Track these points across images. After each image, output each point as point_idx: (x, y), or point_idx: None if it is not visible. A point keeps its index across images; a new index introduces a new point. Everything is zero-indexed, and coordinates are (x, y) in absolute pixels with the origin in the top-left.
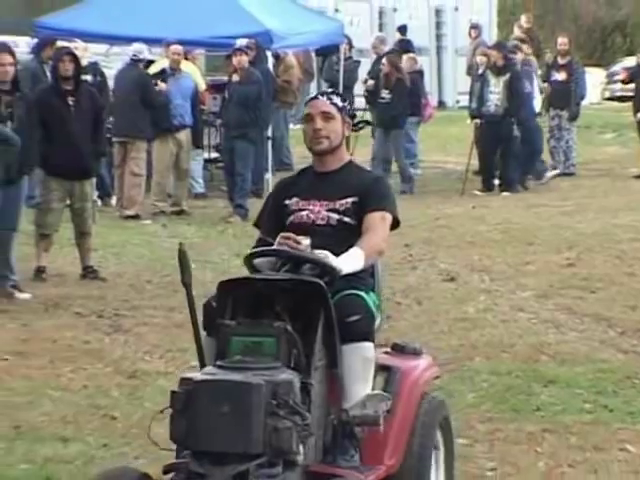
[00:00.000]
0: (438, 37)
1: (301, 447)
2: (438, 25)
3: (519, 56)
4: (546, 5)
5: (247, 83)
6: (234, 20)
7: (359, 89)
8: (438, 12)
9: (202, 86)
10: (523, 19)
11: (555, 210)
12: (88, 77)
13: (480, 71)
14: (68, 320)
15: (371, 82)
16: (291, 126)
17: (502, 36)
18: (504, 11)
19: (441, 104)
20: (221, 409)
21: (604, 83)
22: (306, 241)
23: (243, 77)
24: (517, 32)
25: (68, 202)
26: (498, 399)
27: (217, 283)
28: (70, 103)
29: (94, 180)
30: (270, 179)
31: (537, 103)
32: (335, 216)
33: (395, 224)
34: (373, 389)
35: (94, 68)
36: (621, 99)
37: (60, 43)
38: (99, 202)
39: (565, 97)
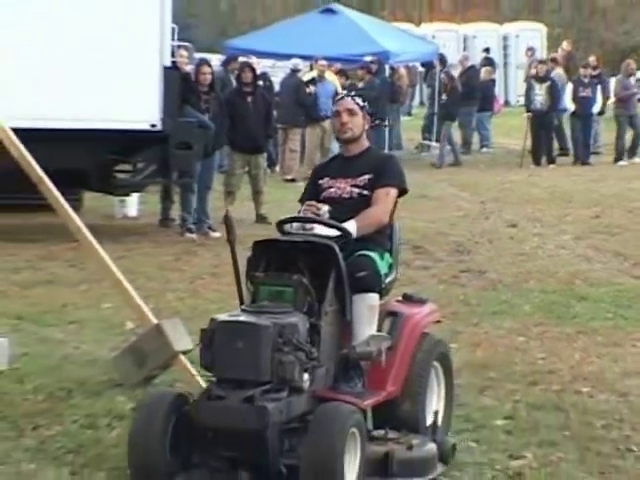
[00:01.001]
0: (505, 56)
1: (306, 376)
2: (505, 47)
3: (556, 70)
4: (580, 34)
5: (370, 88)
6: (362, 43)
7: None
8: (505, 38)
9: (339, 89)
10: (564, 44)
11: (586, 178)
12: (261, 83)
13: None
14: (245, 252)
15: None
16: (401, 117)
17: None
18: (551, 37)
19: (506, 103)
20: (236, 345)
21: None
22: (325, 207)
23: (367, 83)
24: (560, 53)
25: (247, 169)
26: (546, 310)
27: (252, 243)
28: (249, 101)
29: (265, 154)
30: None
31: (598, 105)
32: (356, 190)
33: (403, 192)
34: (380, 331)
35: (264, 76)
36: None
37: (241, 59)
38: (268, 170)
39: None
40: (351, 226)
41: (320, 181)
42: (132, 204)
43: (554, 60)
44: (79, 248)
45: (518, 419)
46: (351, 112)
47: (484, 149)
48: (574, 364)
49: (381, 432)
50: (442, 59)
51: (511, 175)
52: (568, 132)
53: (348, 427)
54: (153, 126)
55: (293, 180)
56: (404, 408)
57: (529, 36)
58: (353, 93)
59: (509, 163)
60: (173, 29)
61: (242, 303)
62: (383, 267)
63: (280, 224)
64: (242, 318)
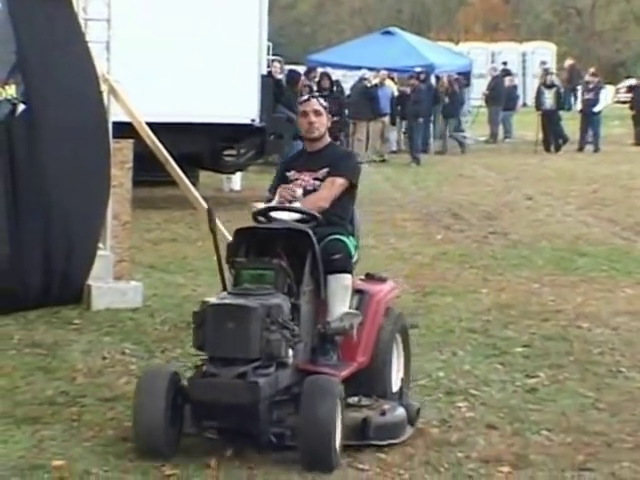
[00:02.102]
0: (523, 67)
1: (290, 352)
2: (523, 61)
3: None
4: (582, 51)
5: (418, 92)
6: (413, 57)
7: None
8: (524, 54)
9: (395, 93)
10: (568, 60)
11: (586, 162)
12: (335, 88)
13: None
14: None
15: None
16: None
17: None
18: (559, 54)
19: (524, 104)
20: (227, 325)
21: (614, 93)
22: (299, 190)
23: (416, 88)
24: (566, 65)
25: None
26: (555, 263)
27: (234, 230)
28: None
29: (338, 142)
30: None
31: (600, 105)
32: (318, 182)
33: (352, 187)
34: (350, 308)
35: (337, 83)
36: (623, 102)
37: (320, 69)
38: None
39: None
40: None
41: (287, 173)
42: (236, 180)
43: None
44: (196, 213)
45: (533, 347)
46: (317, 113)
47: (507, 139)
48: (577, 305)
49: (355, 399)
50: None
51: (527, 159)
52: (572, 127)
53: (337, 397)
54: (253, 120)
55: (360, 163)
56: (373, 376)
57: (542, 53)
58: (317, 94)
59: (526, 150)
60: (268, 46)
61: (225, 287)
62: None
63: (255, 215)
64: (231, 300)
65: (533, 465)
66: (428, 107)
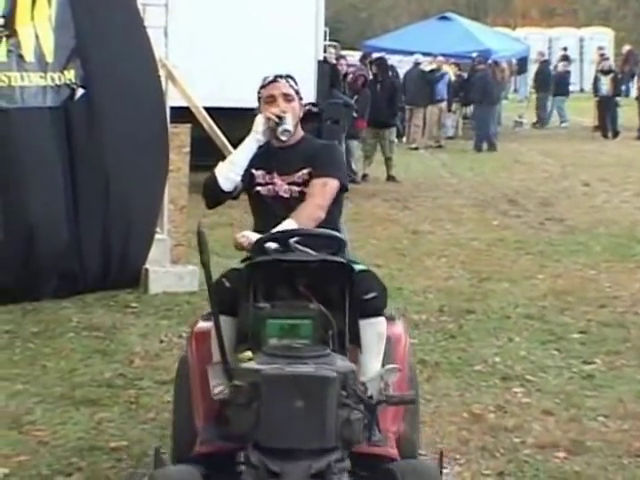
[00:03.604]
0: (581, 53)
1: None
2: (581, 47)
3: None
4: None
5: (475, 77)
6: (470, 42)
7: None
8: (581, 39)
9: (452, 78)
10: (626, 46)
11: (636, 148)
12: (390, 72)
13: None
14: (378, 202)
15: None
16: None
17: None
18: (617, 39)
19: (581, 90)
20: (295, 404)
21: None
22: (289, 115)
23: (474, 73)
24: (624, 51)
25: (378, 139)
26: (612, 250)
27: (244, 265)
28: (378, 87)
29: (393, 128)
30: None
31: None
32: (296, 188)
33: (342, 191)
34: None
35: (393, 69)
36: None
37: (375, 55)
38: (396, 140)
39: None
40: (291, 226)
41: (254, 171)
42: None
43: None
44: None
45: (590, 333)
46: (288, 97)
47: (563, 124)
48: (634, 292)
49: None
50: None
51: (584, 145)
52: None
53: None
54: (313, 105)
55: (416, 148)
56: (401, 446)
57: (600, 38)
58: (285, 75)
59: (583, 136)
60: (325, 32)
61: (222, 344)
62: None
63: (259, 243)
64: (295, 369)
65: (589, 451)
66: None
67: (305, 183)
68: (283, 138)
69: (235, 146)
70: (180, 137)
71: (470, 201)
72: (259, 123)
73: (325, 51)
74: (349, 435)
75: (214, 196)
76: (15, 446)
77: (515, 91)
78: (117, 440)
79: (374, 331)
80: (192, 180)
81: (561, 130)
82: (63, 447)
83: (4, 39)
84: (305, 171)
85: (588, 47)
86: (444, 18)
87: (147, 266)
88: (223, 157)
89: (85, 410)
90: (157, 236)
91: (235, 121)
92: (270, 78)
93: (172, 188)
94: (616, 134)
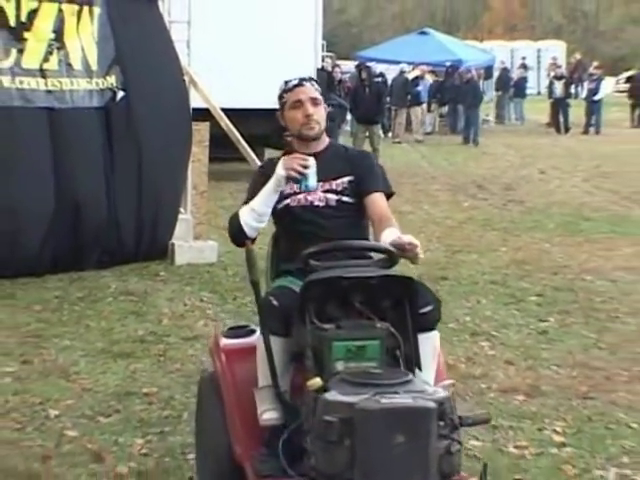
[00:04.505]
0: (538, 62)
1: None
2: (538, 57)
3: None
4: (587, 48)
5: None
6: (444, 53)
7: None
8: (538, 50)
9: (430, 82)
10: (576, 56)
11: (590, 142)
12: (379, 79)
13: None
14: None
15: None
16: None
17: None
18: (569, 50)
19: (539, 93)
20: (394, 440)
21: (614, 84)
22: (312, 160)
23: (445, 79)
24: (574, 60)
25: (367, 134)
26: (564, 226)
27: (303, 285)
28: (366, 90)
29: (379, 125)
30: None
31: (600, 94)
32: (333, 197)
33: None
34: None
35: (382, 75)
36: (622, 91)
37: (368, 63)
38: (382, 135)
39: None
40: (404, 237)
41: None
42: None
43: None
44: None
45: (545, 296)
46: (315, 102)
47: (518, 122)
48: (582, 261)
49: None
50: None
51: (540, 139)
52: (578, 112)
53: None
54: None
55: (400, 142)
56: None
57: (554, 49)
58: (309, 77)
59: (539, 132)
60: (323, 44)
61: (274, 369)
62: None
63: (307, 257)
64: (391, 401)
65: (544, 394)
66: (456, 96)
67: (344, 191)
68: (306, 194)
69: (247, 140)
70: (201, 133)
71: (445, 186)
72: (281, 173)
73: (323, 60)
74: (449, 468)
75: (240, 240)
76: (63, 392)
77: (483, 93)
78: (148, 387)
79: (431, 346)
80: (210, 169)
81: (520, 126)
82: (103, 393)
83: (55, 51)
84: (346, 179)
85: (544, 57)
86: (423, 33)
87: (173, 241)
88: (237, 150)
89: (121, 362)
90: (181, 216)
91: (248, 119)
92: (295, 82)
93: (194, 175)
94: (567, 130)
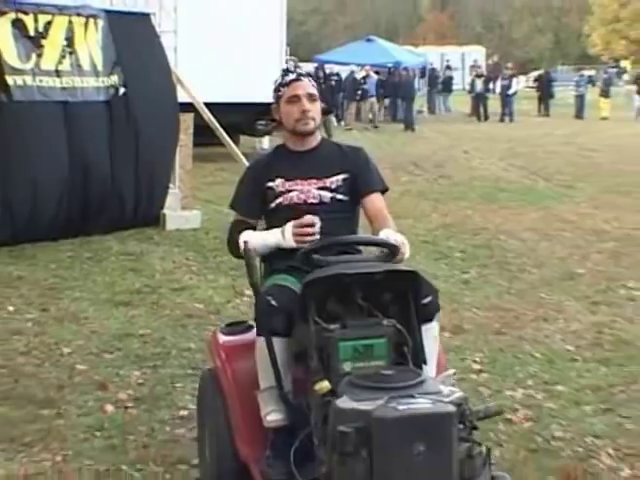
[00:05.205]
0: (462, 63)
1: None
2: (463, 59)
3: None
4: (502, 52)
5: (388, 80)
6: (386, 56)
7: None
8: (463, 54)
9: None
10: (493, 58)
11: (505, 128)
12: (335, 77)
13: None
14: None
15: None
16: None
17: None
18: (487, 54)
19: (463, 89)
20: (415, 448)
21: (524, 81)
22: (315, 219)
23: (387, 77)
24: (491, 62)
25: (324, 122)
26: (483, 196)
27: (304, 283)
28: (322, 86)
29: (333, 114)
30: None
31: (513, 89)
32: (327, 194)
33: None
34: None
35: (337, 74)
36: (531, 87)
37: (327, 65)
38: (335, 122)
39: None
40: (397, 237)
41: (271, 183)
42: (265, 141)
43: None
44: (238, 165)
45: (467, 253)
46: (312, 97)
47: (445, 112)
48: (497, 224)
49: None
50: (449, 67)
51: (465, 126)
52: (494, 105)
53: None
54: None
55: (350, 129)
56: None
57: (475, 54)
58: (306, 72)
59: (463, 120)
60: (287, 49)
61: (277, 371)
62: None
63: (307, 254)
64: (414, 406)
65: (465, 332)
66: (396, 91)
67: (339, 189)
68: (299, 192)
69: (224, 128)
70: (186, 122)
71: (386, 165)
72: (291, 244)
73: (287, 62)
74: (471, 473)
75: (237, 256)
76: (75, 334)
77: (418, 89)
78: (144, 329)
79: (432, 336)
80: (194, 152)
81: (448, 116)
82: (107, 334)
83: (67, 55)
84: (340, 177)
85: (467, 60)
86: (369, 40)
87: (164, 211)
88: (216, 137)
89: (122, 309)
90: (171, 190)
91: (225, 111)
92: (292, 76)
93: (181, 157)
94: (486, 118)
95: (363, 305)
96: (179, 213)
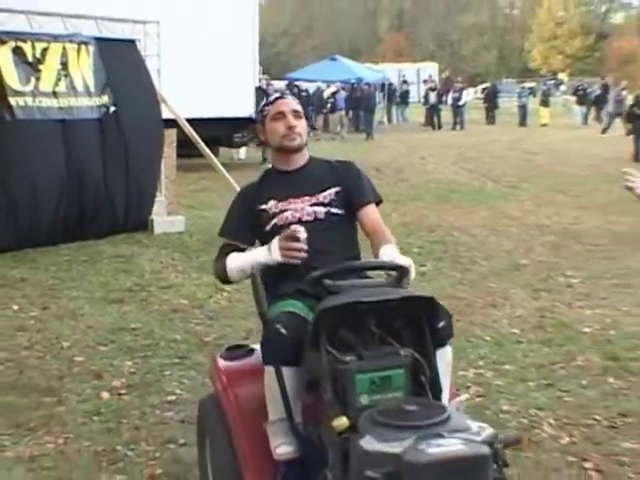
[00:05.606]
0: (418, 78)
1: None
2: (418, 74)
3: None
4: (453, 68)
5: (352, 94)
6: (349, 73)
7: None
8: (418, 70)
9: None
10: (445, 73)
11: (456, 136)
12: (304, 93)
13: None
14: None
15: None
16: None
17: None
18: (440, 69)
19: (419, 101)
20: None
21: (473, 93)
22: (300, 229)
23: (351, 92)
24: (443, 76)
25: None
26: (438, 197)
27: (318, 312)
28: None
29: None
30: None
31: (463, 100)
32: (322, 209)
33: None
34: None
35: (306, 90)
36: (479, 99)
37: (297, 82)
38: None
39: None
40: (393, 252)
41: (264, 206)
42: (242, 152)
43: (435, 88)
44: (216, 174)
45: (424, 248)
46: (297, 114)
47: (403, 123)
48: (450, 222)
49: None
50: (405, 81)
51: (420, 135)
52: (447, 115)
53: None
54: (250, 115)
55: (318, 139)
56: None
57: (429, 69)
58: (288, 92)
59: (419, 129)
60: (260, 69)
61: (288, 403)
62: None
63: (317, 280)
64: (447, 448)
65: None
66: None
67: (332, 203)
68: (293, 211)
69: (204, 141)
70: (170, 137)
71: None
72: (277, 259)
73: (260, 80)
74: None
75: (224, 281)
76: (73, 330)
77: (378, 103)
78: (135, 323)
79: (445, 362)
80: (178, 163)
81: (405, 126)
82: (102, 329)
83: (63, 78)
84: (333, 190)
85: (422, 75)
86: (333, 59)
87: (152, 217)
88: (197, 149)
89: (115, 306)
90: (157, 198)
91: (205, 126)
92: (277, 95)
93: (166, 168)
94: (440, 127)
95: (375, 332)
96: (165, 218)
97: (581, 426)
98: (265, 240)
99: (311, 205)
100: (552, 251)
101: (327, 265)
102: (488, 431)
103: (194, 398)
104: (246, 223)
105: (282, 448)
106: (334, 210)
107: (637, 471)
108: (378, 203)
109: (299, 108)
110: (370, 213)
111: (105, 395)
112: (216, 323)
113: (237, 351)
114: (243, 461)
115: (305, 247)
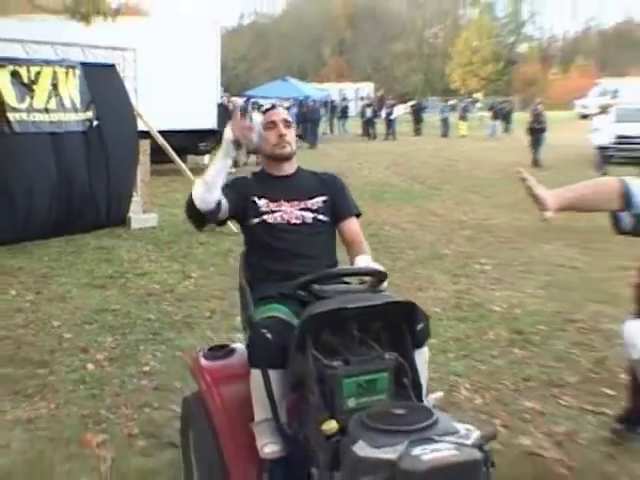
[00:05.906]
0: (356, 96)
1: None
2: (357, 93)
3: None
4: (387, 87)
5: (300, 110)
6: (297, 92)
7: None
8: (357, 89)
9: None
10: (380, 92)
11: (389, 145)
12: (259, 108)
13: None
14: None
15: None
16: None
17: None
18: (375, 88)
19: (357, 115)
20: None
21: (403, 109)
22: (256, 119)
23: (299, 108)
24: (378, 94)
25: None
26: (373, 197)
27: (305, 318)
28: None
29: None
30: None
31: (394, 115)
32: (309, 214)
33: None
34: None
35: (261, 106)
36: (409, 113)
37: (253, 99)
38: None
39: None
40: (367, 261)
41: (256, 199)
42: (206, 159)
43: (371, 104)
44: (183, 178)
45: (380, 237)
46: (287, 124)
47: (344, 133)
48: (383, 218)
49: None
50: (344, 98)
51: (358, 144)
52: (381, 127)
53: None
54: (214, 127)
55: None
56: None
57: (366, 89)
58: (279, 103)
59: (357, 139)
60: (221, 88)
61: (274, 404)
62: None
63: (301, 286)
64: (440, 454)
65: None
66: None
67: (319, 210)
68: (283, 213)
69: (175, 150)
70: (144, 146)
71: None
72: (229, 137)
73: (222, 98)
74: None
75: (196, 218)
76: (62, 311)
77: (322, 116)
78: (115, 305)
79: (423, 361)
80: (152, 168)
81: (345, 136)
82: (87, 309)
83: (53, 96)
84: (321, 199)
85: (360, 93)
86: (284, 80)
87: (129, 214)
88: (167, 157)
89: (98, 290)
90: (134, 198)
91: (175, 137)
92: (268, 106)
93: (141, 172)
94: (375, 137)
95: (356, 335)
96: (141, 216)
97: (491, 389)
98: (249, 233)
99: (299, 209)
100: (469, 242)
101: (312, 270)
102: (475, 433)
103: (165, 369)
104: (234, 196)
105: (269, 447)
106: (320, 217)
107: (537, 426)
108: (358, 215)
109: (289, 118)
110: (351, 224)
111: (90, 366)
112: (184, 304)
113: (219, 351)
114: (228, 458)
115: (257, 129)
